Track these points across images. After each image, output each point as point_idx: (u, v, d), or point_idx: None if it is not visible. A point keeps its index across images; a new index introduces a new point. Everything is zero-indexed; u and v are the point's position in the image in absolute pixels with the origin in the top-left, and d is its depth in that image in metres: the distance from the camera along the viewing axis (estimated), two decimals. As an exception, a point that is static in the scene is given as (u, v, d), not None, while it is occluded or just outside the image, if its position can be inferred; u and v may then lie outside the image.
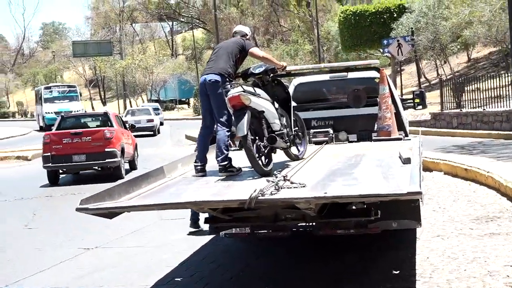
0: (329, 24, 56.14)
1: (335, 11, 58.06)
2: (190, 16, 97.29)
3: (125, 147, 20.44)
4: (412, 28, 36.26)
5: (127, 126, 22.76)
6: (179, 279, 7.96)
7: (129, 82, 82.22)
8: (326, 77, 11.95)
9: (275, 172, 6.98)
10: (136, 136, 26.01)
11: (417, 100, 12.18)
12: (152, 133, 41.92)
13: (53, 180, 19.50)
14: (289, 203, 6.10)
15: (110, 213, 6.32)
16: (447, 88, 30.03)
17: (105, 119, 21.12)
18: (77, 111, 50.05)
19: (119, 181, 6.83)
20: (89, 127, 21.11)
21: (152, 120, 42.88)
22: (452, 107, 29.06)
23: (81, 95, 61.35)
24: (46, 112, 54.92)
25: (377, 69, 10.63)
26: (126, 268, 8.75)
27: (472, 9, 33.52)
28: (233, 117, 7.69)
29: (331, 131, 10.71)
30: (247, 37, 8.65)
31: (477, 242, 8.71)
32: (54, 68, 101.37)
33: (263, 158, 7.69)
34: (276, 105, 8.24)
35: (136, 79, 78.85)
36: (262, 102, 7.78)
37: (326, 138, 10.52)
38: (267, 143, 7.69)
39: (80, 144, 19.29)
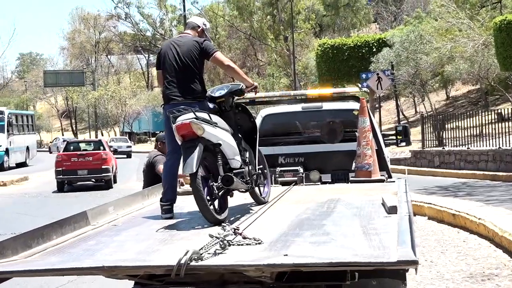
0: (308, 57, 54.85)
1: (313, 46, 56.94)
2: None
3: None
4: (392, 62, 35.01)
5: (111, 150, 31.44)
6: None
7: (101, 113, 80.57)
8: (298, 107, 10.46)
9: (223, 224, 5.37)
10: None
11: (400, 137, 10.71)
12: (126, 156, 55.01)
13: (61, 188, 26.81)
14: (234, 270, 4.50)
15: (-9, 279, 4.68)
16: (427, 125, 28.73)
17: (99, 144, 29.50)
18: None
19: (27, 231, 5.15)
20: (87, 150, 28.63)
21: (130, 146, 59.03)
22: (434, 145, 27.71)
23: (14, 124, 42.62)
24: None
25: (356, 98, 9.11)
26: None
27: (454, 44, 32.34)
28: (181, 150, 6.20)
29: (301, 169, 9.14)
30: (199, 29, 6.95)
31: (474, 309, 7.15)
32: (26, 98, 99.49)
33: (216, 202, 6.19)
34: (238, 137, 6.77)
35: (109, 110, 77.21)
36: (219, 132, 6.29)
37: (295, 178, 8.92)
38: (221, 184, 6.15)
39: (83, 162, 26.91)
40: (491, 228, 10.72)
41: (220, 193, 6.21)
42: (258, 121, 10.22)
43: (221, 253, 4.60)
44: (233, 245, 4.84)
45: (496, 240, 10.44)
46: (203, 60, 6.80)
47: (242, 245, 4.89)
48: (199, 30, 6.98)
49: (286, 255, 4.41)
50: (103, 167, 26.90)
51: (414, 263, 3.98)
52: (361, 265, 4.10)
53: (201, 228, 5.72)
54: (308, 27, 64.32)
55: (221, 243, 4.72)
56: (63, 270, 4.48)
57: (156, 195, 7.47)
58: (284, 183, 8.82)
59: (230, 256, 4.52)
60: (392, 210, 5.89)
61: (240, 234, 5.06)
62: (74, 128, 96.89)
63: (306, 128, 10.61)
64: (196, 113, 6.10)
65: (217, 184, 6.17)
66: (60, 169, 26.71)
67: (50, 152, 68.04)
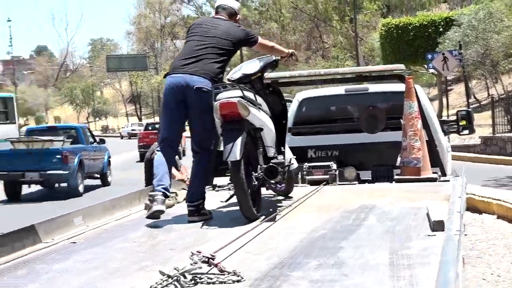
0: (373, 38, 52.73)
1: (380, 27, 54.96)
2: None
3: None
4: (460, 42, 32.83)
5: None
6: None
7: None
8: (341, 90, 8.89)
9: (193, 251, 3.82)
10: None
11: (462, 123, 9.05)
12: None
13: (142, 159, 30.29)
14: None
15: None
16: (499, 108, 26.64)
17: None
18: None
19: None
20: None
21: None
22: (506, 130, 25.64)
23: None
24: None
25: (401, 77, 7.46)
26: None
27: (528, 21, 30.10)
28: (220, 132, 5.34)
29: (334, 166, 7.52)
30: (237, 17, 6.13)
31: None
32: (91, 83, 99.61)
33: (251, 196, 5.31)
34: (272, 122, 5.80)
35: (172, 95, 76.69)
36: (263, 116, 5.38)
37: (326, 176, 7.32)
38: (263, 174, 5.29)
39: (156, 138, 32.10)
40: None
41: (257, 185, 5.33)
42: (294, 106, 8.74)
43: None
44: (202, 282, 3.40)
45: None
46: (237, 48, 6.01)
47: (214, 283, 3.44)
48: (237, 17, 6.13)
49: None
50: None
51: None
52: None
53: (176, 251, 4.27)
54: (374, 8, 62.12)
55: (177, 285, 3.28)
56: None
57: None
58: (312, 182, 7.25)
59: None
60: (438, 226, 4.38)
61: (215, 265, 3.60)
62: (138, 114, 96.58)
63: (348, 115, 9.01)
64: (244, 92, 5.15)
65: (256, 174, 5.38)
66: (142, 144, 36.05)
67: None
